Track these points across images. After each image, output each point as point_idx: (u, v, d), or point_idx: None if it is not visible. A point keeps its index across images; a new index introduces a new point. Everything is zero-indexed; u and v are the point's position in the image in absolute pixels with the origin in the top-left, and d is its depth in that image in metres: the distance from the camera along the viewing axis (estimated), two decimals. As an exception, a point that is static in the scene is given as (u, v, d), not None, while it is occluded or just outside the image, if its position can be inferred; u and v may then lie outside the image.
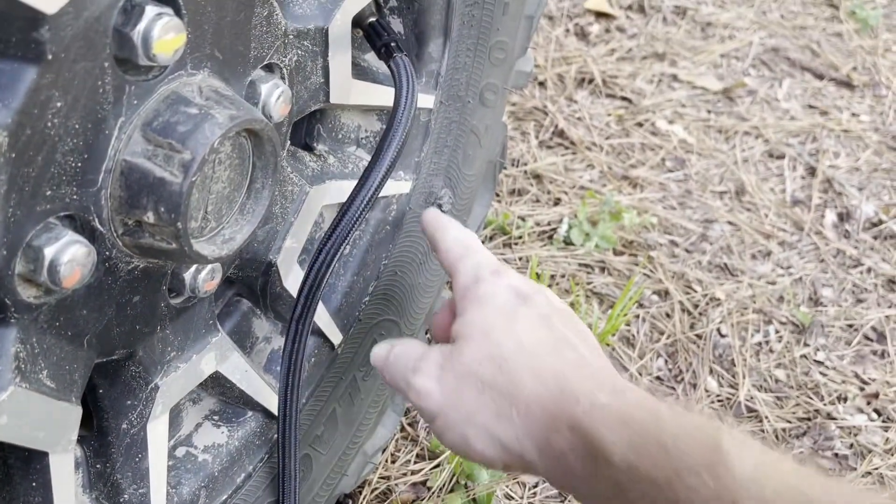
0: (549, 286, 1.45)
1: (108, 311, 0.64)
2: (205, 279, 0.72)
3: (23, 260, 0.53)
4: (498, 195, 1.64)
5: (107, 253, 0.60)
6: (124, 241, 0.60)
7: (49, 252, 0.54)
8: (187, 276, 0.70)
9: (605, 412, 0.58)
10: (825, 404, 1.34)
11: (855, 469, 1.25)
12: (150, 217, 0.58)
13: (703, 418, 0.55)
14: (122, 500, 0.74)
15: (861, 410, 1.34)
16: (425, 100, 0.92)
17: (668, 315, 1.46)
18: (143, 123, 0.57)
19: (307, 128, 0.91)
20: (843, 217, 1.72)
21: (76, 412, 0.63)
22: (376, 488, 1.16)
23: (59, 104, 0.51)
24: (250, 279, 0.86)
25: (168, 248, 0.61)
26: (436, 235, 0.80)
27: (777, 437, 1.28)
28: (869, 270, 1.60)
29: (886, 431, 1.31)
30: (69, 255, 0.54)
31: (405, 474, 1.18)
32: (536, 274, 1.43)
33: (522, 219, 1.59)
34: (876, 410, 1.34)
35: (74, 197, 0.55)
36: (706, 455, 0.52)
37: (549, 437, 0.61)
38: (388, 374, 0.75)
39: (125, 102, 0.55)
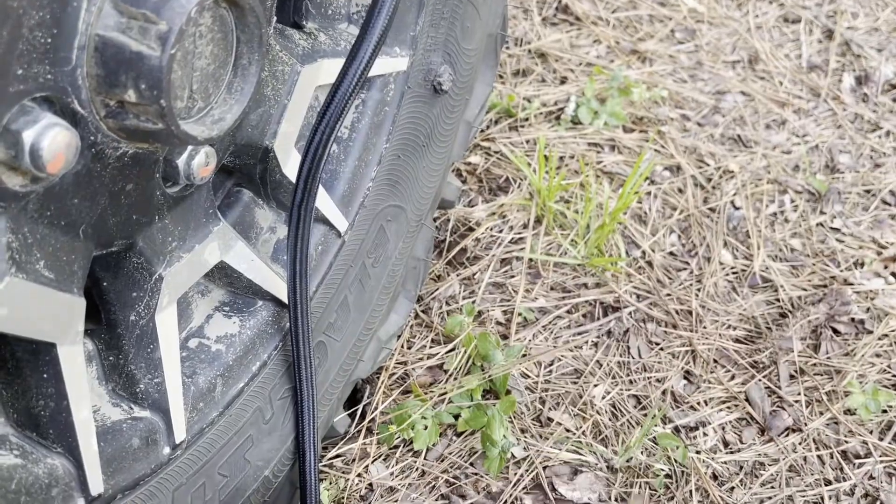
0: (558, 168, 1.42)
1: (101, 201, 0.62)
2: (199, 165, 0.69)
3: (2, 145, 0.51)
4: (502, 77, 1.59)
5: (91, 137, 0.58)
6: (108, 124, 0.58)
7: (28, 136, 0.51)
8: (181, 162, 0.68)
9: None
10: (841, 270, 1.32)
11: (871, 332, 1.24)
12: (131, 95, 0.55)
13: None
14: (138, 390, 0.74)
15: (878, 274, 1.32)
16: (417, -33, 0.87)
17: (680, 190, 1.43)
18: (112, -6, 0.53)
19: (295, 4, 0.86)
20: (862, 80, 1.65)
21: (79, 303, 0.62)
22: (394, 373, 1.17)
23: (17, -28, 0.47)
24: (249, 167, 0.84)
25: (155, 129, 0.58)
26: None
27: (793, 305, 1.28)
28: (888, 134, 1.56)
29: (904, 294, 1.29)
30: (50, 139, 0.52)
31: (421, 359, 1.19)
32: (545, 156, 1.39)
33: (528, 100, 1.54)
34: (893, 274, 1.33)
35: (49, 76, 0.52)
36: None
37: None
38: None
39: (90, -29, 0.52)
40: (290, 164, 0.84)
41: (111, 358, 0.73)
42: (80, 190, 0.59)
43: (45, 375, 0.63)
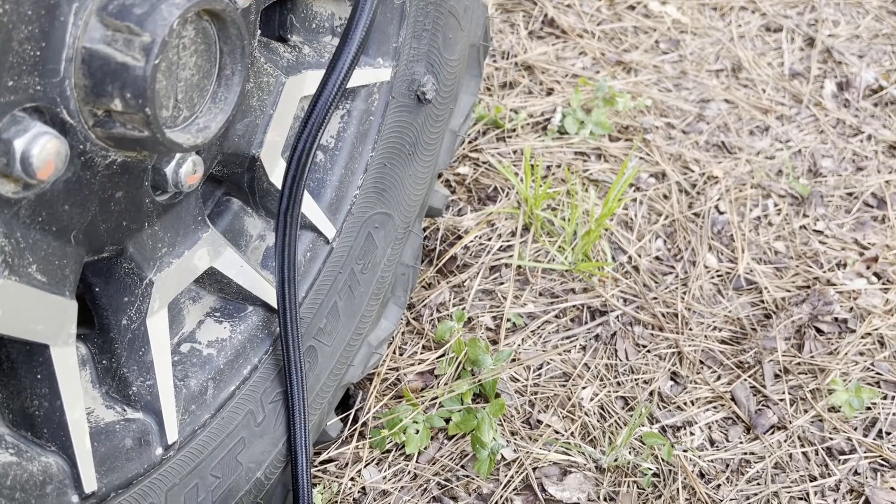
0: (545, 177, 1.45)
1: (92, 207, 0.65)
2: (187, 173, 0.72)
3: (-5, 153, 0.54)
4: (489, 89, 1.62)
5: (81, 146, 0.60)
6: (97, 133, 0.61)
7: (19, 144, 0.54)
8: (169, 170, 0.71)
9: None
10: (824, 271, 1.34)
11: (854, 331, 1.26)
12: (117, 105, 0.58)
13: None
14: (130, 392, 0.76)
15: (860, 275, 1.35)
16: (397, -19, 0.90)
17: (665, 196, 1.46)
18: (98, 8, 0.56)
19: (279, 18, 0.89)
20: (843, 86, 1.69)
21: (72, 306, 0.65)
22: (386, 378, 1.19)
23: (7, -11, 0.50)
24: (237, 176, 0.87)
25: (141, 137, 0.61)
26: None
27: (777, 306, 1.30)
28: (869, 138, 1.58)
29: (886, 293, 1.32)
30: (40, 146, 0.55)
31: (413, 364, 1.21)
32: (531, 165, 1.42)
33: (515, 111, 1.57)
34: (875, 274, 1.35)
35: (38, 87, 0.55)
36: None
37: None
38: None
39: (77, -13, 0.55)
40: (276, 173, 0.87)
41: (104, 361, 0.76)
42: (71, 197, 0.62)
43: (38, 376, 0.65)
